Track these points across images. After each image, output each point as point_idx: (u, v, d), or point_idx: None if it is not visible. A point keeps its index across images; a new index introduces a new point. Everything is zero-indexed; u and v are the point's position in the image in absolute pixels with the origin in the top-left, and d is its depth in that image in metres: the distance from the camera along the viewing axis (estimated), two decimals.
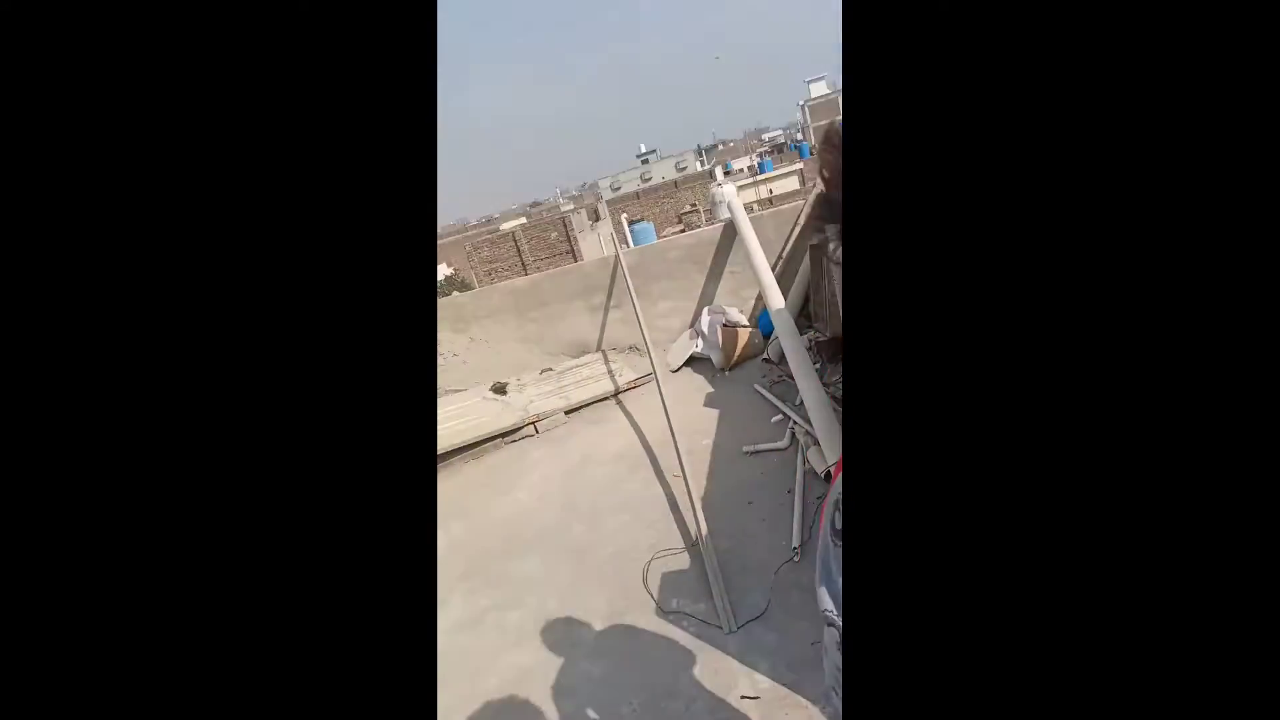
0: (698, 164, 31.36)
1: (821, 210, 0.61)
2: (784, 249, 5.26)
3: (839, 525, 0.55)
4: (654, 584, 2.58)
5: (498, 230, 18.50)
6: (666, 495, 3.24)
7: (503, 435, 4.53)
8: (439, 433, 4.51)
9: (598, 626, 2.43)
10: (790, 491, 2.93)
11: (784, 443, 3.40)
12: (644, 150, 43.16)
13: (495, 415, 4.74)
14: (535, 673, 2.28)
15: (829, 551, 0.56)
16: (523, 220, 22.21)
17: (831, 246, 0.36)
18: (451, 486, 4.09)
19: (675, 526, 2.95)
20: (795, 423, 3.58)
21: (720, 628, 2.23)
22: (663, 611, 2.41)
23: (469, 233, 26.13)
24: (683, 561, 2.68)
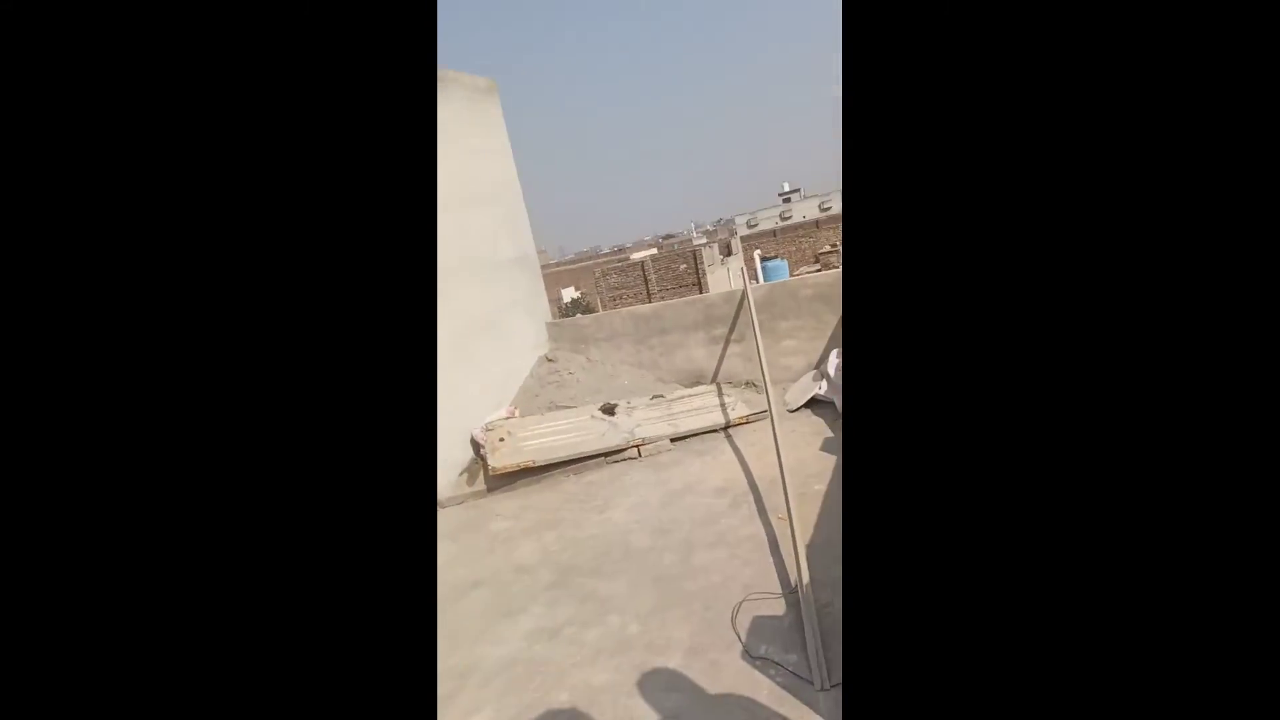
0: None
1: None
2: None
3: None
4: (743, 625, 2.49)
5: (628, 259, 19.15)
6: (768, 536, 3.14)
7: (605, 455, 4.62)
8: (545, 445, 4.69)
9: (677, 659, 2.38)
10: None
11: None
12: (787, 189, 43.05)
13: (600, 435, 4.85)
14: (606, 694, 2.26)
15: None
16: (653, 251, 22.85)
17: None
18: (550, 498, 4.22)
19: (774, 570, 2.85)
20: None
21: (811, 683, 2.11)
22: (750, 656, 2.31)
23: (600, 260, 27.27)
24: (778, 607, 2.57)
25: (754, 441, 4.41)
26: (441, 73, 5.53)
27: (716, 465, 4.19)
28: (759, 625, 2.48)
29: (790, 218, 27.13)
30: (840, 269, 6.88)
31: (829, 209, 25.17)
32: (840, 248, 15.35)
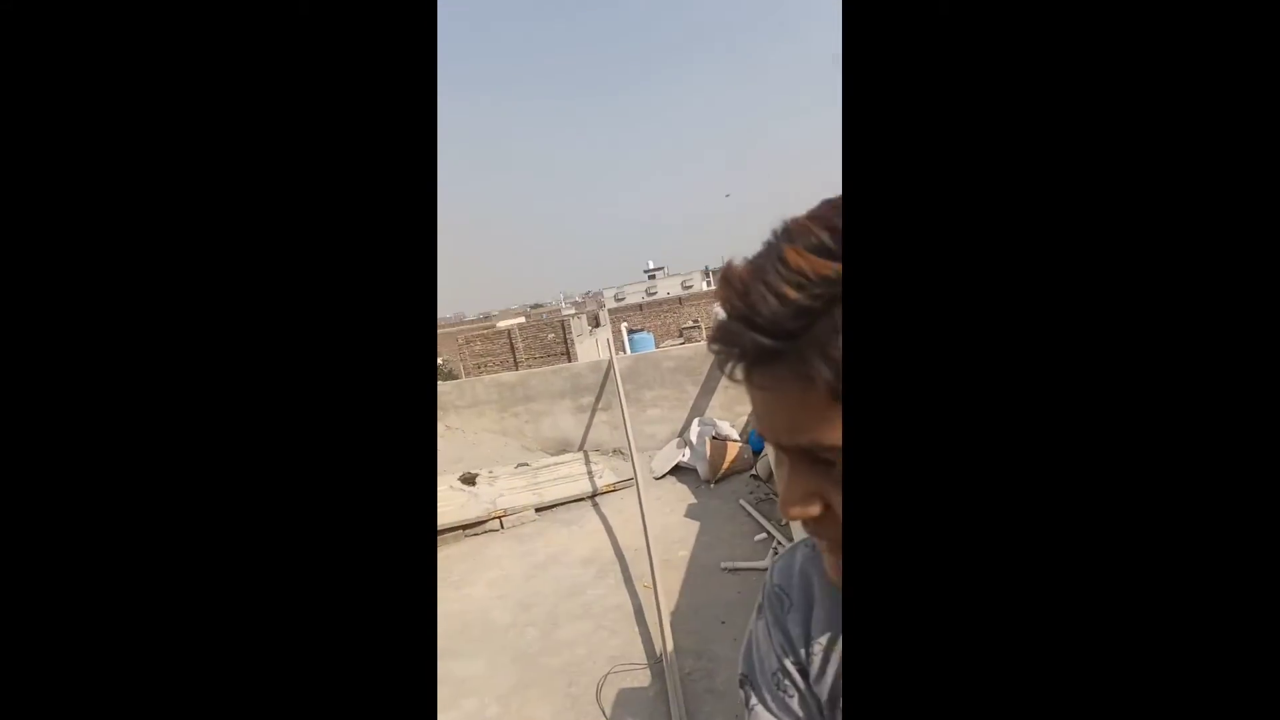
0: (704, 284, 32.72)
1: (718, 334, 0.38)
2: None
3: (760, 601, 0.58)
4: (608, 700, 2.42)
5: (493, 327, 18.93)
6: (634, 605, 3.11)
7: (464, 527, 4.40)
8: None
9: None
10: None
11: (766, 562, 3.32)
12: (652, 266, 45.10)
13: (460, 506, 4.64)
14: None
15: (753, 624, 0.59)
16: (521, 319, 22.77)
17: (729, 366, 0.40)
18: None
19: (639, 639, 2.82)
20: (780, 543, 3.51)
21: None
22: None
23: (464, 326, 26.69)
24: (643, 678, 2.53)
25: (621, 509, 4.41)
26: None
27: (583, 534, 4.13)
28: (624, 698, 2.42)
29: (655, 293, 28.33)
30: (701, 343, 7.26)
31: (690, 287, 26.62)
32: (700, 323, 16.18)
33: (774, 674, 0.54)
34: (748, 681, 0.57)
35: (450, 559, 4.08)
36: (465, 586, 3.63)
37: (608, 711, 2.35)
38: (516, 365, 14.01)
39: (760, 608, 0.58)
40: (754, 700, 0.56)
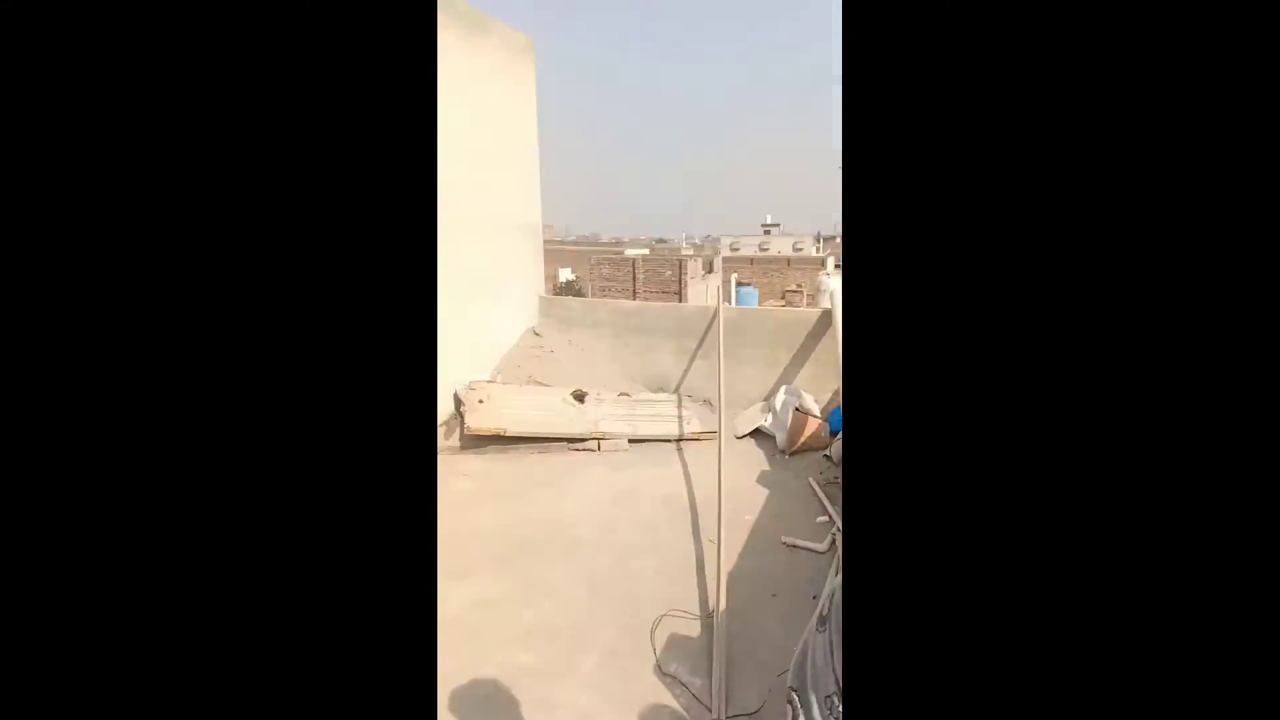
0: (814, 248, 30.95)
1: None
2: None
3: (825, 611, 0.51)
4: (660, 639, 2.46)
5: (622, 253, 18.93)
6: (697, 556, 3.11)
7: (569, 440, 4.53)
8: (518, 416, 4.58)
9: (595, 659, 2.33)
10: (815, 598, 2.73)
11: (823, 546, 3.19)
12: (769, 221, 43.02)
13: (568, 420, 4.76)
14: (528, 677, 2.21)
15: (811, 636, 0.51)
16: (646, 251, 22.62)
17: None
18: (514, 470, 4.12)
19: (695, 590, 2.82)
20: (838, 529, 3.36)
21: (709, 709, 2.09)
22: (661, 671, 2.28)
23: (597, 248, 26.89)
24: (693, 628, 2.54)
25: (700, 459, 4.38)
26: (482, 18, 5.10)
27: (665, 476, 4.14)
28: (674, 643, 2.45)
29: (768, 249, 27.14)
30: (801, 310, 6.87)
31: (801, 250, 25.27)
32: (803, 288, 15.43)
33: (828, 698, 0.47)
34: (797, 696, 0.47)
35: (554, 468, 4.23)
36: (562, 495, 3.76)
37: (658, 651, 2.39)
38: (635, 295, 14.02)
39: (824, 620, 0.52)
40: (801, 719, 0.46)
